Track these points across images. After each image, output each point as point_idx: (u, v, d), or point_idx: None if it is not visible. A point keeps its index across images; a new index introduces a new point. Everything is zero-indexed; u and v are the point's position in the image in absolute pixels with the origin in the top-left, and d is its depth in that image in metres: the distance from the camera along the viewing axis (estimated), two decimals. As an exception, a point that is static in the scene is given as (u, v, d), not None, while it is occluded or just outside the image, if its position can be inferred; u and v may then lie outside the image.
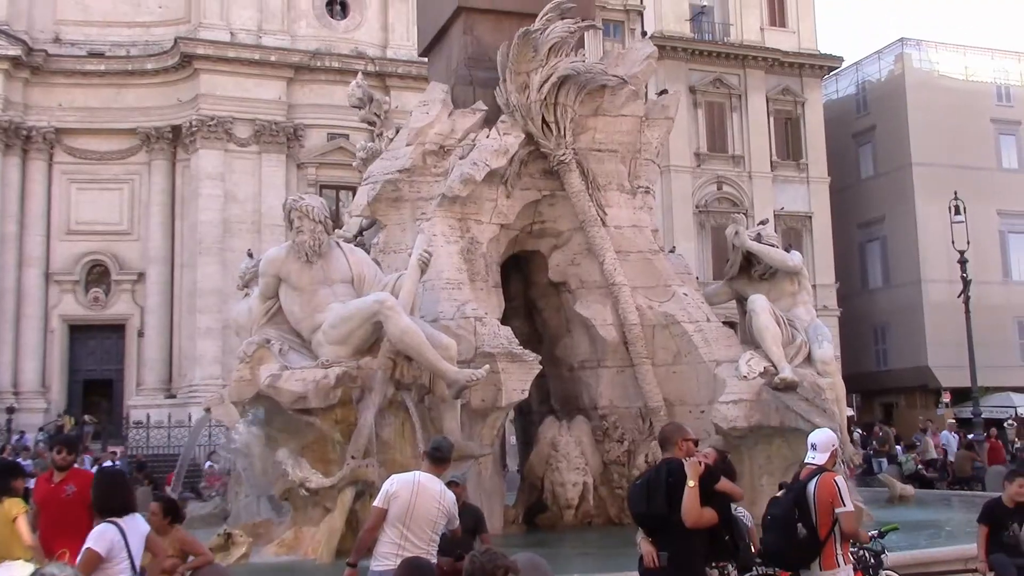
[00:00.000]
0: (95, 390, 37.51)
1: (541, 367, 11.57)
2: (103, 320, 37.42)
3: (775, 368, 11.64)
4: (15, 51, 36.19)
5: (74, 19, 38.39)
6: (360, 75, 17.43)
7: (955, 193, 34.24)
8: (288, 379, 10.17)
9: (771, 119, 46.78)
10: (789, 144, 47.20)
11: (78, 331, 37.45)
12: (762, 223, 14.43)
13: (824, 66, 48.57)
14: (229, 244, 36.15)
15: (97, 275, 37.63)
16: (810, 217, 46.32)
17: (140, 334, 37.19)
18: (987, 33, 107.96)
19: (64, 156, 37.57)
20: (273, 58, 38.03)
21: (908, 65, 49.50)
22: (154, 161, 38.00)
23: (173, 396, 36.03)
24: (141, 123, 37.72)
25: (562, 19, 12.43)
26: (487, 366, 10.58)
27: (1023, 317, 47.56)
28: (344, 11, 40.13)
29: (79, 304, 37.18)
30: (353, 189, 33.50)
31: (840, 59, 49.07)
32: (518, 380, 11.12)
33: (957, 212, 33.29)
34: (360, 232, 13.84)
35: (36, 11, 37.91)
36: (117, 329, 37.64)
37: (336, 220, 15.79)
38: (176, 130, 37.67)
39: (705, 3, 47.92)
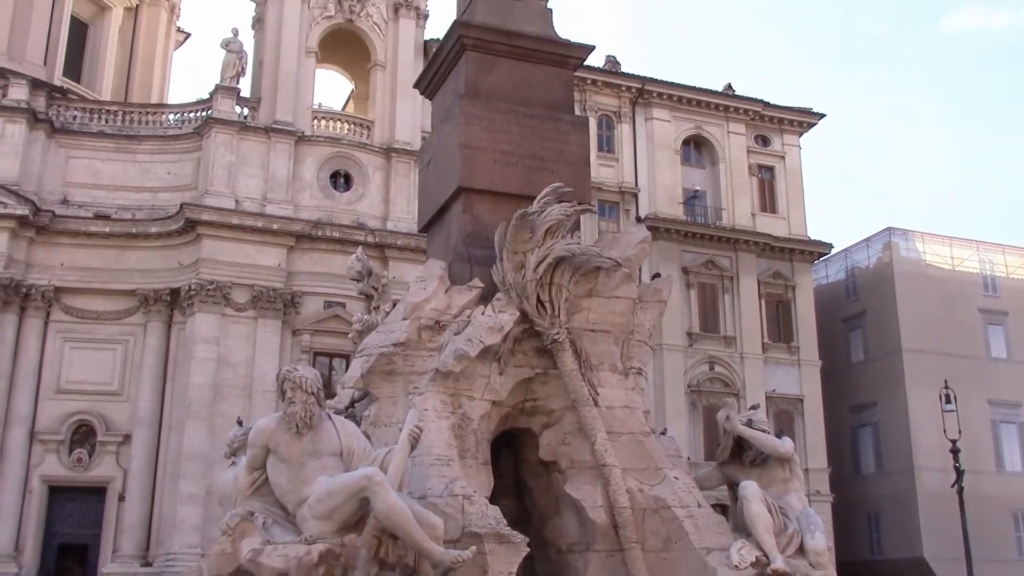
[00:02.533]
0: (70, 555, 36.46)
1: (529, 549, 11.32)
2: (85, 482, 36.75)
3: (767, 558, 11.41)
4: (23, 211, 36.95)
5: (83, 182, 39.38)
6: (360, 248, 17.75)
7: (945, 381, 34.44)
8: (270, 554, 9.92)
9: (762, 301, 47.47)
10: (780, 326, 47.72)
11: (58, 492, 36.69)
12: (753, 408, 14.42)
13: (814, 251, 49.69)
14: (219, 408, 35.93)
15: (82, 435, 37.20)
16: (801, 400, 46.36)
17: (121, 498, 36.47)
18: (971, 222, 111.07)
19: (61, 315, 37.78)
20: (276, 226, 38.82)
21: (896, 254, 50.64)
22: (150, 323, 38.20)
23: (149, 564, 35.00)
24: (140, 285, 38.15)
25: (559, 202, 12.76)
26: (473, 547, 10.35)
27: (1019, 509, 46.91)
28: (347, 183, 41.25)
29: (61, 464, 36.59)
30: (347, 357, 33.78)
31: (829, 245, 50.22)
32: (505, 563, 10.86)
33: (948, 401, 33.41)
34: (352, 403, 13.79)
35: (47, 173, 38.91)
36: (98, 492, 36.91)
37: (328, 389, 15.75)
38: (175, 293, 38.04)
39: (698, 188, 49.41)
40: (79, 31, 47.97)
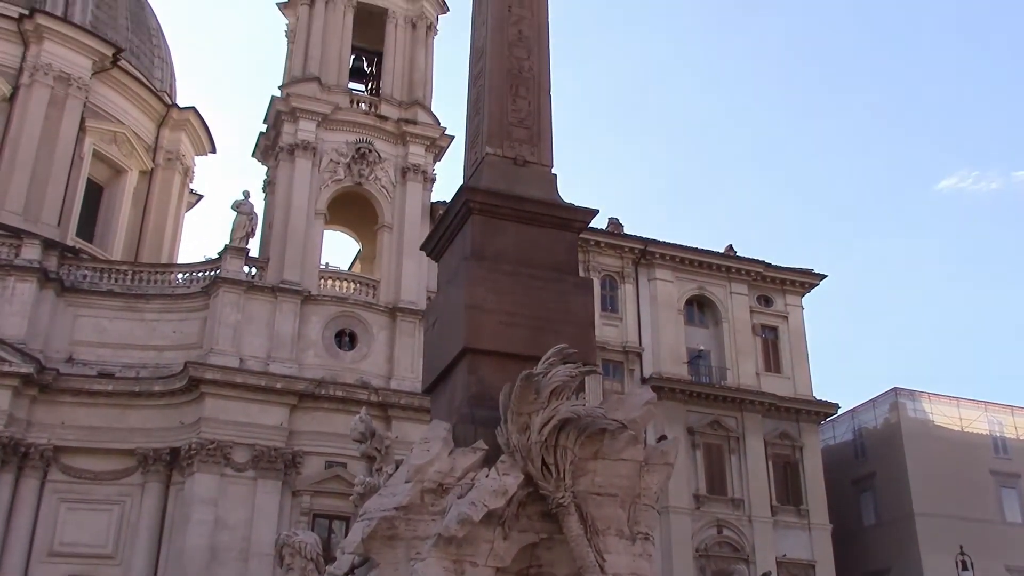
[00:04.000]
0: None
1: None
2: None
3: None
4: (27, 369, 36.96)
5: (90, 340, 39.57)
6: (364, 409, 17.67)
7: (961, 548, 33.60)
8: None
9: (770, 463, 46.84)
10: (789, 488, 46.89)
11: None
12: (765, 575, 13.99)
13: (820, 412, 49.31)
14: (214, 572, 34.98)
15: (73, 601, 36.06)
16: (813, 566, 45.10)
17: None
18: (978, 382, 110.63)
19: (59, 475, 37.27)
20: (279, 385, 38.72)
21: (903, 415, 50.24)
22: (148, 483, 37.63)
23: None
24: (141, 444, 37.78)
25: (564, 363, 12.71)
26: None
27: None
28: (352, 342, 41.37)
29: (48, 632, 35.35)
30: (347, 520, 33.10)
31: (836, 406, 49.89)
32: None
33: (965, 568, 32.52)
34: (351, 569, 13.41)
35: (54, 331, 39.13)
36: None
37: (328, 552, 15.35)
38: (175, 452, 37.62)
39: (702, 347, 49.47)
40: (95, 193, 49.21)
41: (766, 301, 51.53)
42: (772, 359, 50.34)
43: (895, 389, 51.46)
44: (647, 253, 49.46)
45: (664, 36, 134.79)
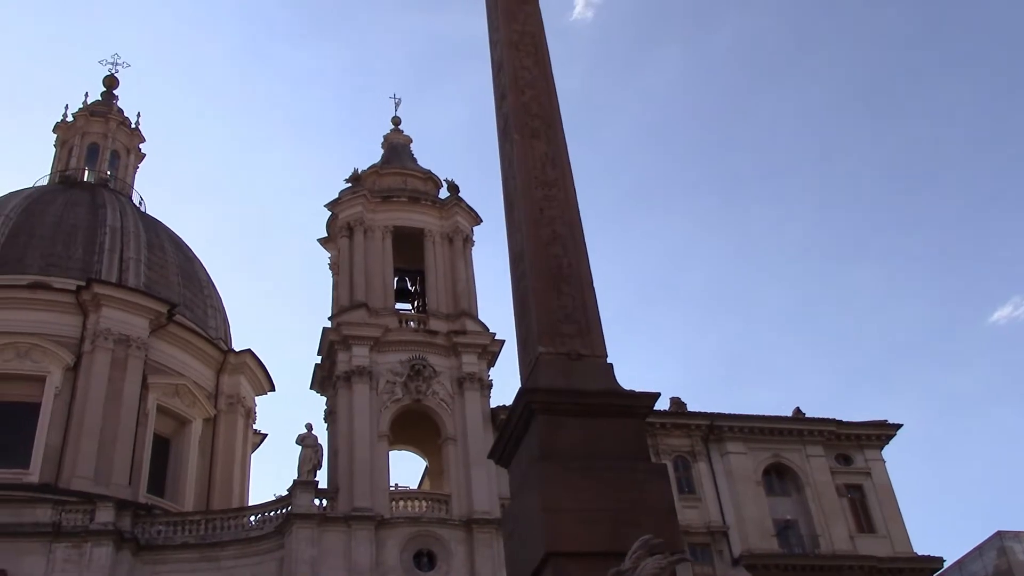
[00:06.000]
0: None
1: None
2: None
3: None
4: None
5: None
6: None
7: None
8: None
9: (883, 631, 44.21)
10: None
11: None
12: None
13: (925, 568, 46.84)
14: None
15: None
16: None
17: None
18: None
19: None
20: (362, 617, 37.72)
21: (1013, 559, 47.53)
22: None
23: None
24: None
25: (651, 555, 12.31)
26: None
27: None
28: (431, 562, 40.50)
29: None
30: None
31: (940, 559, 47.38)
32: None
33: None
34: None
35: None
36: None
37: None
38: None
39: (789, 517, 47.77)
40: (162, 446, 49.94)
41: (845, 459, 50.04)
42: (863, 518, 48.38)
43: (999, 533, 48.86)
44: (715, 428, 48.65)
45: (689, 213, 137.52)
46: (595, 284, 15.66)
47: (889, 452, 51.55)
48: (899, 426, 51.37)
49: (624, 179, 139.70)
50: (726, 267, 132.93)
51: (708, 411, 49.36)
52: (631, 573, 12.04)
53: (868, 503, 48.87)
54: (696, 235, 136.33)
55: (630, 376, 15.91)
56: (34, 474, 44.39)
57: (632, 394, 14.81)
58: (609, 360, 15.23)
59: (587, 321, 15.26)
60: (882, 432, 51.13)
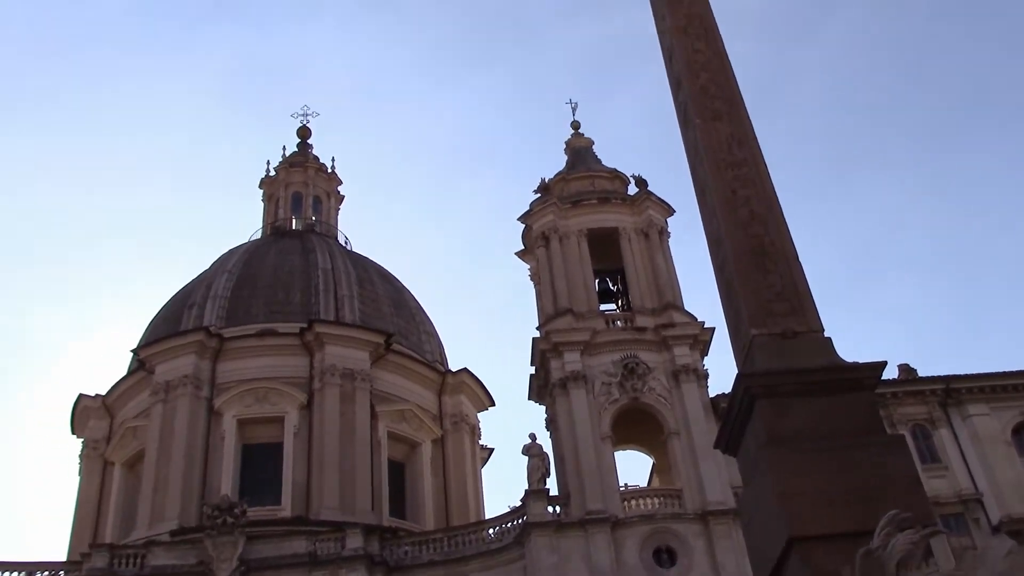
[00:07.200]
0: None
1: None
2: None
3: None
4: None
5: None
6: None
7: None
8: None
9: None
10: None
11: None
12: None
13: None
14: None
15: None
16: None
17: None
18: None
19: None
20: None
21: None
22: None
23: None
24: None
25: (901, 531, 11.79)
26: None
27: None
28: (671, 558, 40.24)
29: None
30: None
31: None
32: None
33: None
34: None
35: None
36: None
37: None
38: None
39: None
40: (396, 471, 52.10)
41: (1104, 408, 46.15)
42: None
43: None
44: (952, 391, 45.99)
45: (894, 171, 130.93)
46: (801, 258, 15.17)
47: None
48: None
49: (816, 145, 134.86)
50: (943, 223, 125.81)
51: (942, 375, 46.75)
52: (882, 551, 11.56)
53: None
54: (908, 193, 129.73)
55: (852, 349, 15.33)
56: (286, 509, 47.23)
57: (856, 366, 14.23)
58: (827, 334, 14.72)
59: (798, 297, 14.81)
60: None
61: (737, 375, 14.44)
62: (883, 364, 14.49)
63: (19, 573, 42.73)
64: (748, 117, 16.06)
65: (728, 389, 15.25)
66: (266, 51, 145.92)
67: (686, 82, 16.33)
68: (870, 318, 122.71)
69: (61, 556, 48.30)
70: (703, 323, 46.12)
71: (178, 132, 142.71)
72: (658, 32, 17.74)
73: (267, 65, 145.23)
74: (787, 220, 15.43)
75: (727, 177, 15.50)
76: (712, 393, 44.39)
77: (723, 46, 16.67)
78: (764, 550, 13.86)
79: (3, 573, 42.62)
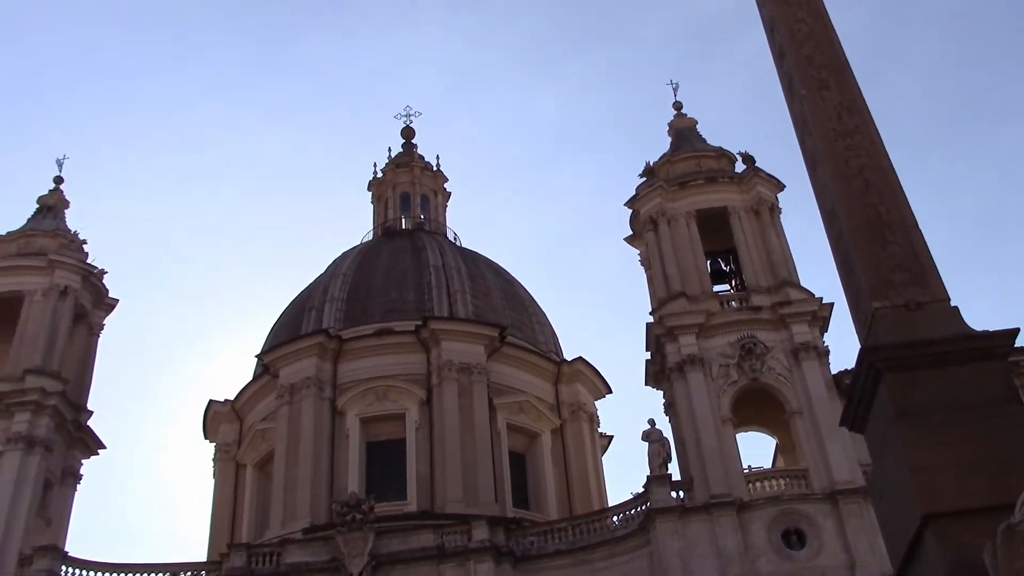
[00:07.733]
0: None
1: None
2: None
3: None
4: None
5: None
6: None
7: None
8: None
9: None
10: None
11: None
12: None
13: None
14: None
15: None
16: None
17: None
18: None
19: None
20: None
21: None
22: None
23: None
24: None
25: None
26: None
27: None
28: (800, 540, 39.49)
29: None
30: None
31: None
32: None
33: None
34: None
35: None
36: None
37: None
38: None
39: None
40: (517, 462, 52.46)
41: None
42: None
43: None
44: (1093, 355, 43.80)
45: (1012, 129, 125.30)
46: (922, 225, 14.67)
47: None
48: None
49: (930, 107, 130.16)
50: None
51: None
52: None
53: None
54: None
55: (983, 318, 14.77)
56: (412, 503, 48.11)
57: (986, 334, 13.70)
58: (953, 303, 14.21)
59: (920, 266, 14.34)
60: None
61: (860, 350, 14.07)
62: (1016, 331, 13.93)
63: (164, 574, 44.60)
64: (856, 84, 15.60)
65: (851, 365, 14.82)
66: (366, 56, 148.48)
67: (790, 53, 15.95)
68: (1002, 282, 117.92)
69: (202, 556, 50.25)
70: (821, 299, 45.10)
71: (285, 139, 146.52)
72: (757, 3, 17.37)
73: (368, 69, 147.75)
74: (904, 187, 14.94)
75: (838, 147, 15.09)
76: (834, 369, 43.38)
77: (827, 13, 16.24)
78: (898, 528, 13.50)
79: (150, 575, 44.54)
